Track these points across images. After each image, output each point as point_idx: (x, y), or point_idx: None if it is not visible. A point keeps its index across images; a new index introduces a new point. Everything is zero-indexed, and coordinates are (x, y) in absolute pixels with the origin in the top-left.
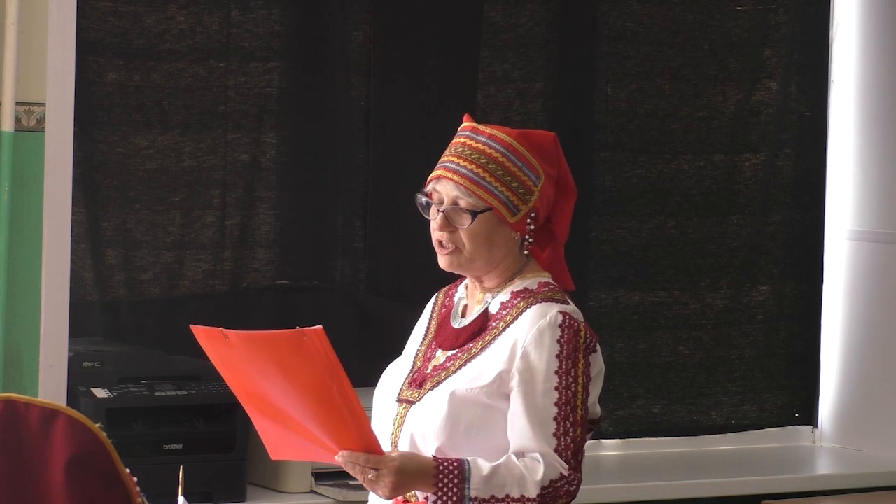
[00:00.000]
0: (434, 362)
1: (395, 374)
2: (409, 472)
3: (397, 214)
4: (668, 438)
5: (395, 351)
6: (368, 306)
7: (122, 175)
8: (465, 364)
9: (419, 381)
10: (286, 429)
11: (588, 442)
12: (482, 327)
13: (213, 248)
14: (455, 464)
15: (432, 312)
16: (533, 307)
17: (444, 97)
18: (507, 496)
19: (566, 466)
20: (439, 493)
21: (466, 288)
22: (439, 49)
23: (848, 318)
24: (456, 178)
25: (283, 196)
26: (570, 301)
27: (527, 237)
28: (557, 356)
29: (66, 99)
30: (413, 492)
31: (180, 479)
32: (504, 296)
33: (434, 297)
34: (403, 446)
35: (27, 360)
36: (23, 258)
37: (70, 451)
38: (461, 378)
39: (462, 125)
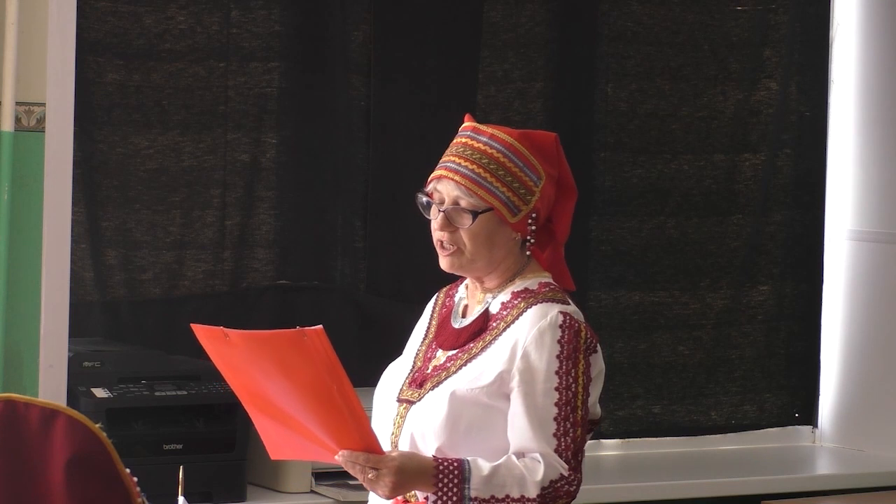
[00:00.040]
0: (434, 362)
1: (396, 374)
2: (409, 471)
3: (397, 214)
4: (668, 438)
5: (395, 351)
6: (368, 306)
7: (122, 175)
8: (465, 364)
9: (419, 381)
10: (286, 428)
11: (588, 442)
12: (483, 327)
13: (213, 248)
14: (455, 464)
15: (433, 312)
16: (533, 307)
17: (444, 97)
18: (507, 496)
19: (566, 467)
20: (439, 493)
21: (467, 288)
22: (439, 49)
23: (848, 318)
24: (457, 178)
25: (283, 196)
26: (570, 301)
27: (528, 237)
28: (558, 356)
29: (66, 99)
30: (413, 492)
31: (180, 479)
32: (504, 296)
33: (434, 297)
34: (403, 446)
35: (27, 360)
36: (23, 258)
37: (70, 451)
38: (461, 378)
39: (463, 125)
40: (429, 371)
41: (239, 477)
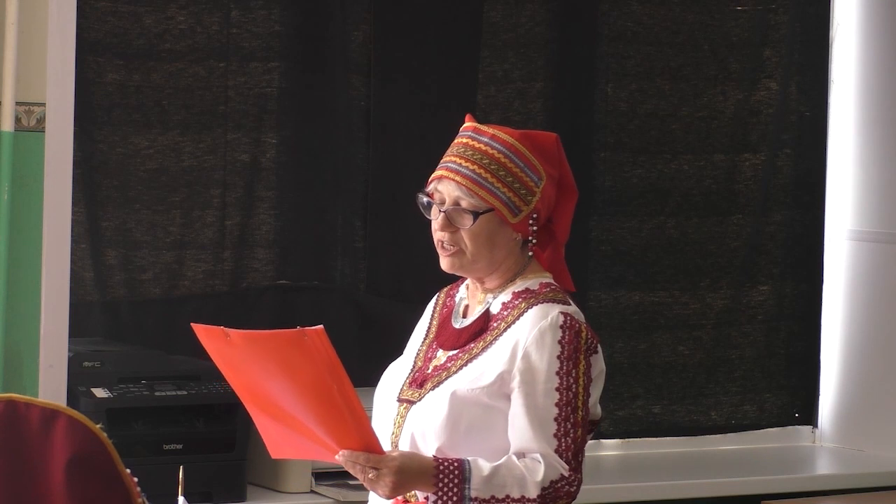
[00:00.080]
0: (435, 362)
1: (396, 374)
2: (410, 471)
3: (397, 214)
4: (668, 438)
5: (395, 351)
6: (368, 306)
7: (122, 175)
8: (466, 364)
9: (420, 381)
10: (287, 428)
11: (588, 442)
12: (483, 327)
13: (213, 248)
14: (455, 464)
15: (433, 312)
16: (534, 308)
17: (444, 97)
18: (508, 496)
19: (567, 467)
20: (439, 493)
21: (468, 288)
22: (439, 49)
23: (848, 318)
24: (458, 178)
25: (283, 196)
26: (571, 302)
27: (530, 238)
28: (558, 357)
29: (66, 99)
30: (413, 492)
31: (180, 479)
32: (505, 296)
33: (435, 297)
34: (404, 446)
35: (27, 360)
36: (23, 258)
37: (70, 451)
38: (462, 378)
39: (464, 125)
40: (429, 371)
41: (239, 477)
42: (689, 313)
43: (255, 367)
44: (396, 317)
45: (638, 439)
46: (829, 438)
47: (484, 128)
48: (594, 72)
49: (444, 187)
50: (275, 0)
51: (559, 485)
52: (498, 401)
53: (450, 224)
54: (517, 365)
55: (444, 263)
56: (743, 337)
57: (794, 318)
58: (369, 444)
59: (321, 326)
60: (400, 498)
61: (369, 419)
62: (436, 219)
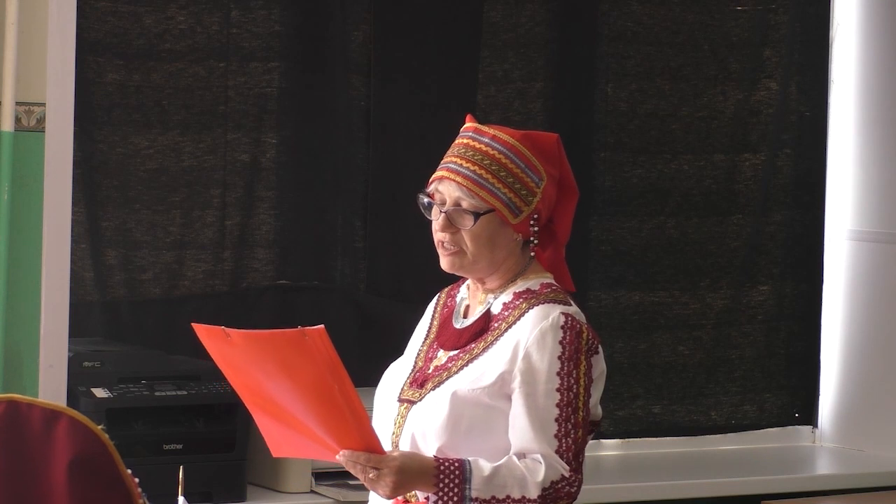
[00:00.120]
0: (436, 362)
1: (397, 374)
2: (410, 471)
3: (397, 214)
4: (668, 438)
5: (395, 351)
6: (368, 306)
7: (122, 175)
8: (466, 364)
9: (420, 381)
10: (288, 427)
11: (588, 442)
12: (484, 328)
13: (213, 248)
14: (456, 464)
15: (434, 312)
16: (535, 308)
17: (444, 97)
18: (508, 497)
19: (567, 468)
20: (440, 493)
21: (468, 288)
22: (439, 49)
23: (848, 318)
24: (458, 179)
25: (283, 196)
26: (572, 302)
27: (532, 238)
28: (559, 357)
29: (66, 99)
30: (413, 492)
31: (180, 479)
32: (506, 296)
33: (436, 297)
34: (404, 446)
35: (27, 360)
36: (23, 258)
37: (72, 452)
38: (463, 378)
39: (465, 126)
40: (430, 371)
41: (239, 477)
42: (689, 313)
43: (256, 366)
44: (396, 317)
45: (638, 439)
46: (829, 438)
47: (485, 128)
48: (594, 72)
49: (445, 188)
50: (275, 0)
51: (560, 485)
52: (498, 401)
53: (450, 225)
54: (518, 365)
55: (445, 263)
56: (743, 337)
57: (794, 318)
58: (370, 444)
59: (322, 326)
60: (400, 498)
61: (370, 419)
62: (436, 219)
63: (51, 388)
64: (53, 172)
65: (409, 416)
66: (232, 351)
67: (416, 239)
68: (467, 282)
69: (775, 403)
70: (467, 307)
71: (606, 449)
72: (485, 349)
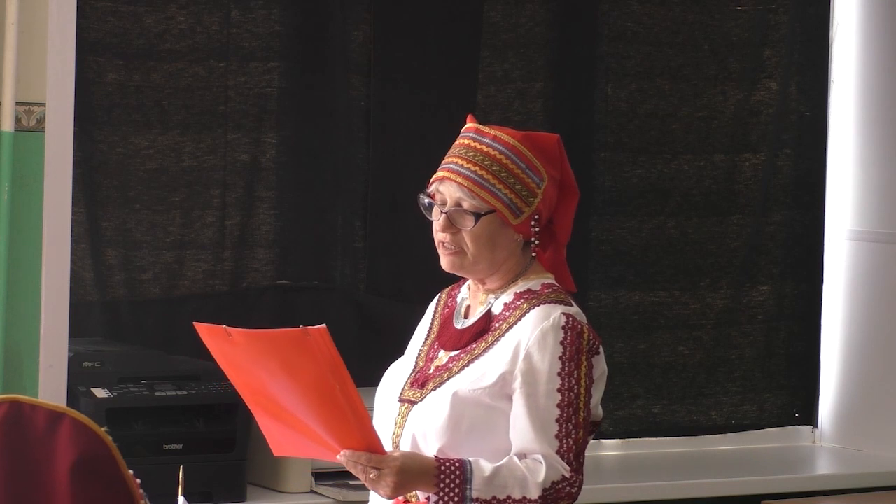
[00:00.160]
0: (436, 363)
1: (397, 374)
2: (411, 471)
3: (397, 214)
4: (668, 438)
5: (396, 351)
6: (368, 306)
7: (122, 175)
8: (467, 365)
9: (421, 382)
10: (289, 427)
11: (589, 443)
12: (485, 328)
13: (213, 248)
14: (457, 464)
15: (435, 313)
16: (536, 308)
17: (444, 97)
18: (509, 497)
19: (568, 468)
20: (441, 494)
21: (469, 289)
22: (439, 49)
23: (848, 318)
24: (459, 179)
25: (283, 196)
26: (573, 302)
27: (533, 239)
28: (560, 358)
29: (66, 99)
30: (414, 492)
31: (180, 479)
32: (507, 297)
33: (437, 298)
34: (405, 446)
35: (27, 360)
36: (23, 258)
37: (75, 453)
38: (464, 379)
39: (466, 126)
40: (431, 371)
41: (239, 477)
42: (689, 313)
43: (257, 366)
44: (396, 317)
45: (638, 439)
46: (829, 438)
47: (486, 129)
48: (594, 72)
49: (446, 188)
50: (275, 0)
51: (560, 486)
52: (499, 401)
53: (451, 225)
54: (519, 366)
55: (445, 263)
56: (743, 337)
57: (794, 318)
58: (371, 444)
59: (324, 326)
60: (401, 498)
61: (371, 419)
62: (437, 220)
63: (51, 388)
64: (53, 172)
65: (410, 416)
66: (233, 350)
67: (416, 239)
68: (468, 282)
69: (775, 403)
70: (468, 307)
71: (606, 449)
72: (486, 349)
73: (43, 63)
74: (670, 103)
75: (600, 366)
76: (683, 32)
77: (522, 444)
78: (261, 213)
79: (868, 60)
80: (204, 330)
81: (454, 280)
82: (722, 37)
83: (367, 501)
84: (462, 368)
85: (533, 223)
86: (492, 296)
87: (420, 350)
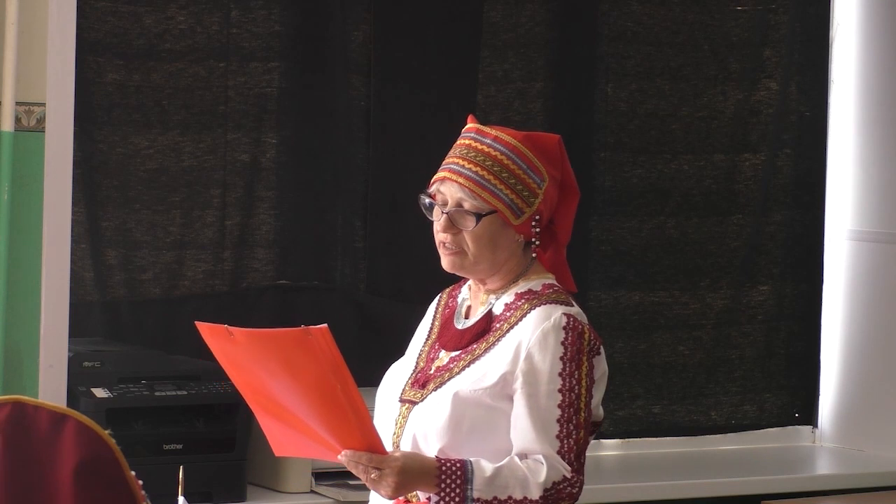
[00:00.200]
0: (437, 363)
1: (398, 375)
2: (412, 472)
3: (397, 214)
4: (668, 438)
5: (396, 351)
6: (368, 306)
7: (122, 175)
8: (468, 365)
9: (422, 382)
10: (290, 427)
11: (590, 443)
12: (486, 328)
13: (213, 248)
14: (458, 464)
15: (435, 313)
16: (537, 309)
17: (444, 97)
18: (510, 497)
19: (569, 469)
20: (442, 494)
21: (470, 289)
22: (439, 49)
23: (848, 318)
24: (460, 180)
25: (283, 196)
26: (574, 303)
27: (533, 240)
28: (561, 358)
29: (66, 99)
30: (415, 492)
31: (180, 479)
32: (508, 297)
33: (437, 298)
34: (405, 446)
35: (27, 360)
36: (23, 258)
37: (79, 455)
38: (465, 379)
39: (466, 126)
40: (431, 372)
41: (239, 477)
42: (689, 313)
43: (259, 365)
44: (396, 317)
45: (638, 439)
46: (829, 438)
47: (487, 129)
48: (594, 72)
49: (447, 189)
50: (275, 0)
51: (561, 486)
52: (500, 402)
53: (452, 225)
54: (520, 366)
55: (446, 263)
56: (743, 337)
57: (794, 318)
58: (372, 444)
59: (325, 325)
60: (401, 498)
61: (372, 419)
62: (438, 220)
63: (51, 388)
64: (53, 172)
65: (411, 416)
66: (235, 350)
67: (416, 239)
68: (468, 282)
69: (775, 403)
70: (469, 308)
71: (606, 449)
72: (486, 350)
73: (43, 63)
74: (670, 103)
75: (601, 366)
76: (683, 32)
77: (523, 444)
78: (261, 213)
79: (868, 60)
80: (205, 329)
81: (454, 280)
82: (722, 37)
83: (368, 501)
84: (463, 369)
85: (534, 223)
86: (492, 296)
87: (421, 350)
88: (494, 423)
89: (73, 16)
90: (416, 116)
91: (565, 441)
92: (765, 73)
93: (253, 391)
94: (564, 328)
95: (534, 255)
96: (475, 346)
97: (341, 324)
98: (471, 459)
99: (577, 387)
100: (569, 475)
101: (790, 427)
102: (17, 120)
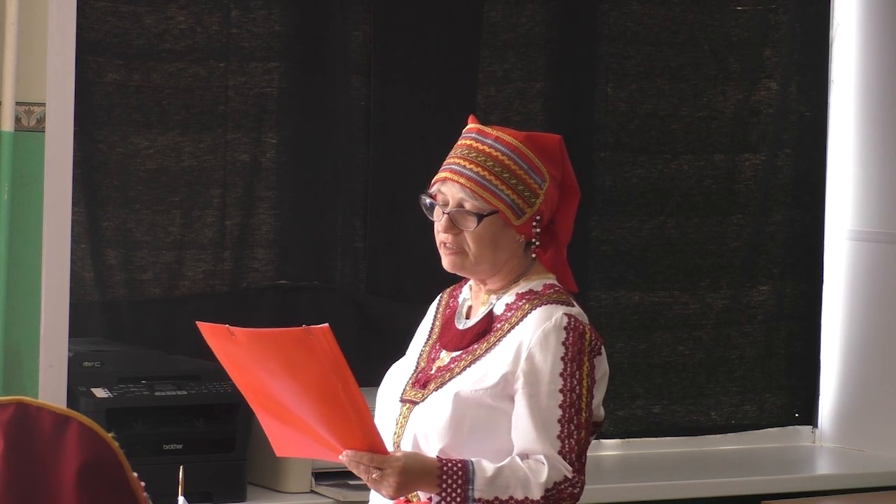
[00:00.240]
0: (438, 363)
1: (399, 375)
2: (414, 472)
3: (397, 214)
4: (668, 438)
5: (396, 351)
6: (368, 306)
7: (122, 175)
8: (469, 365)
9: (423, 382)
10: (291, 427)
11: (591, 443)
12: (487, 329)
13: (213, 248)
14: (459, 465)
15: (436, 313)
16: (538, 309)
17: (444, 97)
18: (511, 497)
19: (570, 469)
20: (443, 494)
21: (471, 289)
22: (439, 49)
23: (848, 318)
24: (462, 180)
25: (283, 196)
26: (575, 303)
27: (533, 240)
28: (562, 358)
29: (66, 99)
30: (415, 492)
31: (180, 479)
32: (509, 297)
33: (438, 298)
34: (406, 446)
35: (27, 360)
36: (23, 258)
37: (81, 457)
38: (466, 379)
39: (467, 126)
40: (432, 372)
41: (239, 477)
42: (689, 313)
43: (260, 365)
44: (397, 317)
45: (638, 439)
46: (829, 438)
47: (488, 129)
48: (594, 72)
49: (448, 189)
50: (275, 0)
51: (562, 486)
52: (501, 402)
53: (453, 226)
54: (521, 366)
55: (447, 263)
56: (743, 337)
57: (794, 318)
58: (373, 444)
59: (327, 325)
60: (402, 498)
61: (373, 419)
62: (439, 220)
63: (51, 388)
64: (53, 172)
65: (412, 416)
66: (236, 350)
67: (416, 239)
68: (469, 282)
69: (775, 403)
70: (469, 308)
71: (606, 449)
72: (487, 350)
73: (43, 63)
74: (670, 103)
75: (602, 366)
76: (683, 32)
77: (524, 444)
78: (261, 213)
79: (868, 60)
80: (207, 329)
81: (454, 280)
82: (722, 37)
83: (368, 501)
84: (464, 369)
85: (534, 224)
86: (493, 296)
87: (421, 350)
88: (495, 424)
89: (73, 16)
90: (416, 116)
91: (566, 441)
92: (765, 73)
93: (254, 391)
94: (566, 328)
95: (533, 255)
96: (476, 346)
97: (341, 324)
98: (472, 459)
99: (578, 387)
100: (570, 475)
101: (790, 427)
102: (17, 120)
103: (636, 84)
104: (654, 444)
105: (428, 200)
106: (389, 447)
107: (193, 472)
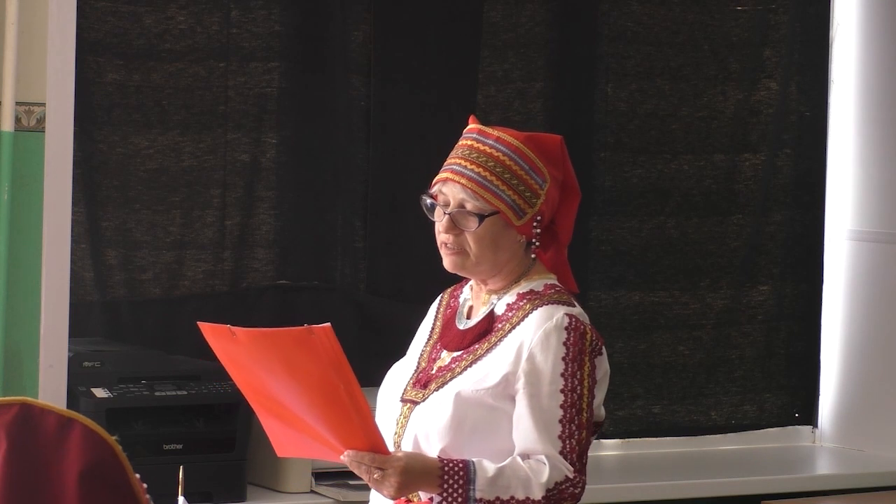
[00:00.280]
0: (439, 363)
1: (400, 375)
2: (415, 472)
3: (397, 214)
4: (668, 438)
5: (396, 351)
6: (368, 306)
7: (122, 175)
8: (470, 365)
9: (424, 382)
10: (292, 427)
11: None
12: (488, 329)
13: (213, 248)
14: (460, 465)
15: (437, 313)
16: (539, 309)
17: (444, 97)
18: (512, 498)
19: (571, 469)
20: (444, 494)
21: (471, 289)
22: (439, 49)
23: (848, 318)
24: (463, 181)
25: (283, 196)
26: (576, 303)
27: (534, 240)
28: (563, 358)
29: (66, 99)
30: (417, 492)
31: (180, 479)
32: (510, 297)
33: (439, 298)
34: (407, 446)
35: (27, 360)
36: (23, 258)
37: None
38: (466, 379)
39: (468, 127)
40: (433, 372)
41: (239, 477)
42: (689, 313)
43: (261, 365)
44: (397, 317)
45: (638, 439)
46: (829, 438)
47: (489, 130)
48: (594, 72)
49: (449, 189)
50: (275, 0)
51: (564, 486)
52: (502, 402)
53: (454, 226)
54: (522, 366)
55: (448, 263)
56: (743, 337)
57: (794, 318)
58: (375, 444)
59: (328, 324)
60: (403, 498)
61: (375, 419)
62: (440, 220)
63: (51, 388)
64: (53, 172)
65: (412, 416)
66: (237, 350)
67: (416, 239)
68: (470, 282)
69: (775, 403)
70: (470, 308)
71: (606, 449)
72: (488, 350)
73: (43, 63)
74: (670, 103)
75: (603, 366)
76: (683, 32)
77: (525, 444)
78: (261, 213)
79: (868, 60)
80: (207, 329)
81: (454, 280)
82: (722, 37)
83: (368, 501)
84: (465, 369)
85: (535, 224)
86: (494, 296)
87: (422, 350)
88: (496, 424)
89: (73, 16)
90: (416, 116)
91: (567, 441)
92: (765, 73)
93: (255, 391)
94: (566, 328)
95: (534, 255)
96: (477, 346)
97: (341, 324)
98: (473, 460)
99: (579, 387)
100: (571, 475)
101: (790, 427)
102: (17, 120)
103: (636, 84)
104: (654, 444)
105: (429, 201)
106: (390, 447)
107: (193, 472)
